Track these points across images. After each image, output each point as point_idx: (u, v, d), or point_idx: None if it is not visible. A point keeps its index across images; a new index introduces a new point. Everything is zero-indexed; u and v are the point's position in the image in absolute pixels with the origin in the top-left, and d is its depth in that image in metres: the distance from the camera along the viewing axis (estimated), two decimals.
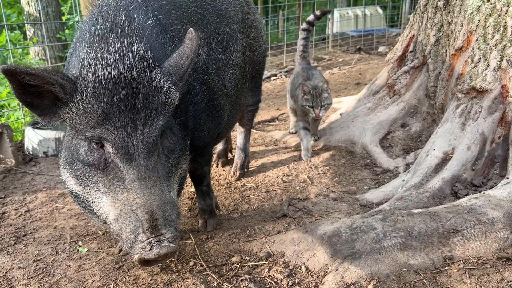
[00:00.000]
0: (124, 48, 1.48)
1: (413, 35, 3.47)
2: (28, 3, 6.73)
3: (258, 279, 1.91)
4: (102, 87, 1.40)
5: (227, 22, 2.30)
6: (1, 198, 2.84)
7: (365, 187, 2.77)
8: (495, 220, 1.97)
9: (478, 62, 2.68)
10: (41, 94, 1.40)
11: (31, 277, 2.00)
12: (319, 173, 2.96)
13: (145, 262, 1.41)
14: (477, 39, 2.71)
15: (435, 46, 3.24)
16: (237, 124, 3.10)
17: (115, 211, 1.42)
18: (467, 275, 1.82)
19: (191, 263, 2.04)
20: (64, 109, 1.42)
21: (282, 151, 3.42)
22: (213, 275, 1.94)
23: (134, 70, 1.44)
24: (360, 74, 6.53)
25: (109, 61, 1.43)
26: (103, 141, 1.43)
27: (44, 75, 1.33)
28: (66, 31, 6.82)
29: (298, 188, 2.78)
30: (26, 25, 7.10)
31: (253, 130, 3.77)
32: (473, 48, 2.73)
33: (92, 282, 1.94)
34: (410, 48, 3.48)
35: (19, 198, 2.84)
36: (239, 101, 2.47)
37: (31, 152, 3.55)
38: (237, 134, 3.19)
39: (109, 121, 1.40)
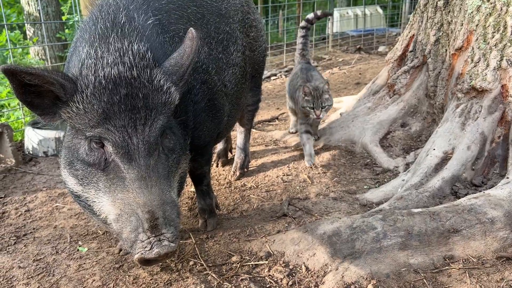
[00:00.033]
0: (124, 47, 1.48)
1: (413, 35, 3.47)
2: (28, 3, 6.73)
3: (258, 278, 1.91)
4: (103, 86, 1.40)
5: (227, 22, 2.30)
6: (1, 197, 2.84)
7: (365, 187, 2.77)
8: (495, 219, 1.97)
9: (478, 62, 2.68)
10: (42, 94, 1.40)
11: (31, 277, 2.00)
12: (319, 173, 2.96)
13: (145, 262, 1.41)
14: (477, 39, 2.71)
15: (435, 46, 3.24)
16: (237, 124, 3.10)
17: (115, 211, 1.42)
18: (467, 275, 1.82)
19: (191, 263, 2.04)
20: (65, 108, 1.42)
21: (282, 151, 3.42)
22: (213, 275, 1.94)
23: (134, 69, 1.44)
24: (360, 73, 6.53)
25: (109, 60, 1.44)
26: (104, 141, 1.43)
27: (45, 75, 1.33)
28: (66, 30, 6.81)
29: (298, 187, 2.78)
30: (26, 24, 7.10)
31: (253, 130, 3.78)
32: (473, 48, 2.73)
33: (92, 282, 1.94)
34: (410, 48, 3.48)
35: (19, 197, 2.84)
36: (239, 101, 2.47)
37: (31, 152, 3.55)
38: (237, 133, 3.19)
39: (109, 121, 1.40)
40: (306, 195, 2.66)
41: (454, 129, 2.68)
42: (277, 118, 4.49)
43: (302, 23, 3.76)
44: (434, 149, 2.66)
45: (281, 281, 1.88)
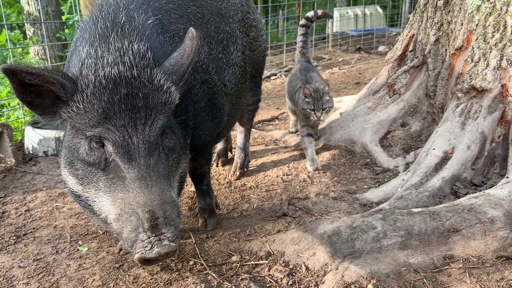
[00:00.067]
0: (124, 47, 1.48)
1: (413, 35, 3.48)
2: (28, 3, 6.73)
3: (258, 278, 1.91)
4: (103, 86, 1.40)
5: (227, 21, 2.30)
6: (1, 197, 2.84)
7: (365, 187, 2.77)
8: (495, 219, 1.97)
9: (478, 62, 2.68)
10: (42, 94, 1.40)
11: (31, 276, 2.00)
12: (319, 173, 2.96)
13: (145, 261, 1.41)
14: (477, 39, 2.71)
15: (435, 46, 3.24)
16: (237, 124, 3.10)
17: (115, 210, 1.42)
18: (467, 274, 1.82)
19: (191, 262, 2.04)
20: (65, 108, 1.42)
21: (282, 151, 3.42)
22: (213, 274, 1.94)
23: (135, 69, 1.44)
24: (360, 73, 6.53)
25: (110, 60, 1.44)
26: (104, 140, 1.43)
27: (45, 74, 1.33)
28: (66, 30, 6.81)
29: (298, 187, 2.78)
30: (26, 24, 7.10)
31: (253, 130, 3.78)
32: (473, 48, 2.73)
33: (92, 281, 1.94)
34: (410, 48, 3.48)
35: (19, 197, 2.84)
36: (239, 101, 2.47)
37: (31, 152, 3.55)
38: (237, 133, 3.19)
39: (109, 120, 1.40)
40: (306, 195, 2.66)
41: (454, 129, 2.68)
42: (277, 118, 4.49)
43: (302, 21, 3.74)
44: (434, 149, 2.66)
45: (281, 280, 1.88)
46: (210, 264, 2.03)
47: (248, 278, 1.90)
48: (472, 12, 2.76)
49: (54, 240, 2.31)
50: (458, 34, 2.88)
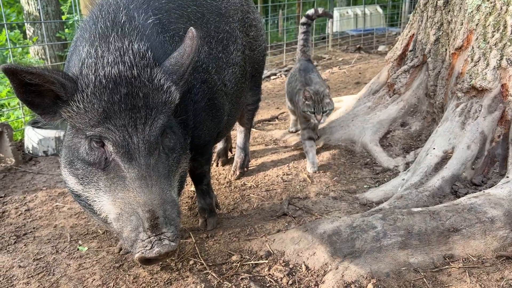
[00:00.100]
0: (124, 47, 1.48)
1: (413, 34, 3.48)
2: (28, 2, 6.73)
3: (258, 277, 1.91)
4: (103, 86, 1.40)
5: (227, 21, 2.30)
6: (1, 197, 2.84)
7: (365, 186, 2.77)
8: (495, 218, 1.98)
9: (478, 61, 2.68)
10: (42, 93, 1.40)
11: (31, 276, 2.00)
12: (319, 172, 2.96)
13: (145, 261, 1.41)
14: (477, 38, 2.71)
15: (435, 45, 3.24)
16: (237, 123, 3.10)
17: (115, 210, 1.42)
18: (467, 274, 1.82)
19: (191, 262, 2.04)
20: (65, 108, 1.42)
21: (282, 150, 3.42)
22: (213, 274, 1.94)
23: (135, 69, 1.44)
24: (360, 73, 6.53)
25: (110, 60, 1.44)
26: (104, 140, 1.43)
27: (45, 74, 1.33)
28: (66, 30, 6.81)
29: (298, 187, 2.78)
30: (25, 24, 7.10)
31: (253, 129, 3.78)
32: (473, 47, 2.73)
33: (92, 281, 1.94)
34: (410, 47, 3.48)
35: (19, 197, 2.84)
36: (239, 100, 2.47)
37: (31, 151, 3.55)
38: (237, 133, 3.19)
39: (109, 120, 1.40)
40: (306, 195, 2.66)
41: (454, 129, 2.68)
42: (277, 118, 4.49)
43: (303, 19, 3.71)
44: (434, 149, 2.66)
45: (281, 280, 1.88)
46: (210, 264, 2.03)
47: (248, 278, 1.90)
48: (472, 11, 2.76)
49: (54, 239, 2.32)
50: (458, 34, 2.89)
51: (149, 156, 1.43)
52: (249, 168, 3.12)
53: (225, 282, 1.88)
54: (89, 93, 1.39)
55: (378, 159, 3.07)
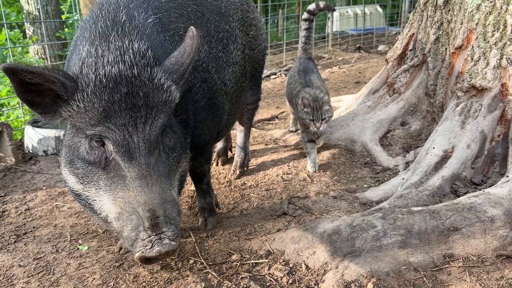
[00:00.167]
0: (124, 46, 1.48)
1: (413, 34, 3.48)
2: (28, 2, 6.72)
3: (258, 277, 1.91)
4: (103, 85, 1.40)
5: (227, 20, 2.30)
6: (1, 196, 2.84)
7: (365, 186, 2.77)
8: (495, 218, 1.98)
9: (478, 61, 2.68)
10: (42, 92, 1.40)
11: (32, 275, 2.00)
12: (319, 172, 2.96)
13: (146, 260, 1.41)
14: (477, 38, 2.71)
15: (435, 45, 3.24)
16: (237, 123, 3.10)
17: (116, 209, 1.42)
18: (467, 273, 1.82)
19: (191, 261, 2.04)
20: (65, 107, 1.42)
21: (282, 150, 3.42)
22: (213, 273, 1.94)
23: (135, 68, 1.44)
24: (359, 72, 6.53)
25: (110, 59, 1.44)
26: (104, 139, 1.43)
27: (46, 73, 1.33)
28: (66, 29, 6.81)
29: (298, 186, 2.78)
30: (25, 23, 7.09)
31: (253, 129, 3.78)
32: (473, 47, 2.74)
33: (92, 280, 1.94)
34: (410, 47, 3.48)
35: (19, 196, 2.84)
36: (239, 99, 2.47)
37: (31, 151, 3.55)
38: (237, 132, 3.19)
39: (110, 119, 1.40)
40: (306, 194, 2.66)
41: (454, 128, 2.68)
42: (277, 117, 4.49)
43: (304, 15, 3.59)
44: (434, 148, 2.66)
45: (281, 279, 1.88)
46: (210, 263, 2.03)
47: (248, 277, 1.90)
48: (472, 11, 2.76)
49: (54, 239, 2.32)
50: (458, 33, 2.89)
51: (149, 156, 1.43)
52: (249, 168, 3.12)
53: (225, 281, 1.88)
54: (89, 92, 1.39)
55: (378, 158, 3.08)
